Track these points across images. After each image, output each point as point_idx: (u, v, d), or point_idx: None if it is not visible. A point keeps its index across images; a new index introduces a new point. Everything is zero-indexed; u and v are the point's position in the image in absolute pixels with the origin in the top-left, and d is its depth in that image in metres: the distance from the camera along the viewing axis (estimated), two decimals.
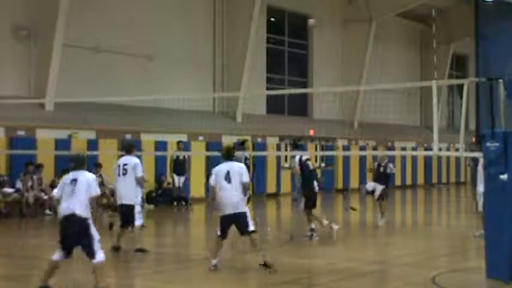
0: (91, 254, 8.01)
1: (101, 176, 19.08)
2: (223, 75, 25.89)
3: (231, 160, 10.23)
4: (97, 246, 8.04)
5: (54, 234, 8.39)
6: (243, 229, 9.95)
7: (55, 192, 8.53)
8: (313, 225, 13.50)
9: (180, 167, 21.66)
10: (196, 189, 23.25)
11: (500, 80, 9.29)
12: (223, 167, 10.10)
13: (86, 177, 8.27)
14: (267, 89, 27.55)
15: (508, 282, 8.71)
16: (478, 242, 11.61)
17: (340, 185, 29.33)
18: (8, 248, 12.63)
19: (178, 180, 21.74)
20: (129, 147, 12.16)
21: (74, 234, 8.05)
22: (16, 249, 12.14)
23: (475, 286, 9.29)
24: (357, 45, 31.42)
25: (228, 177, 9.94)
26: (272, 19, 28.77)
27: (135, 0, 22.93)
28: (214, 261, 9.90)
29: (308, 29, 14.59)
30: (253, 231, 9.93)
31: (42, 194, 18.33)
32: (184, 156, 21.43)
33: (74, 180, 8.19)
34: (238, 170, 10.04)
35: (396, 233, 15.28)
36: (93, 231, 8.08)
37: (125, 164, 11.65)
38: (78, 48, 20.88)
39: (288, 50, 30.01)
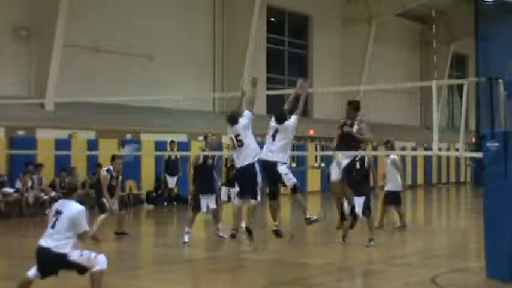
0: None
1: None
2: (223, 75, 25.89)
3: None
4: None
5: None
6: None
7: None
8: None
9: (173, 167, 21.63)
10: None
11: (500, 80, 9.28)
12: None
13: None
14: (267, 89, 27.52)
15: (508, 282, 8.70)
16: (478, 242, 11.61)
17: None
18: (8, 248, 12.62)
19: (172, 181, 21.71)
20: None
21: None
22: (16, 249, 12.12)
23: (475, 286, 9.28)
24: (357, 45, 31.41)
25: None
26: (272, 19, 28.77)
27: (135, 1, 22.92)
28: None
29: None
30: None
31: (42, 194, 18.34)
32: (176, 156, 21.38)
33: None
34: None
35: (396, 233, 15.25)
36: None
37: None
38: (78, 48, 20.88)
39: (288, 50, 30.01)
